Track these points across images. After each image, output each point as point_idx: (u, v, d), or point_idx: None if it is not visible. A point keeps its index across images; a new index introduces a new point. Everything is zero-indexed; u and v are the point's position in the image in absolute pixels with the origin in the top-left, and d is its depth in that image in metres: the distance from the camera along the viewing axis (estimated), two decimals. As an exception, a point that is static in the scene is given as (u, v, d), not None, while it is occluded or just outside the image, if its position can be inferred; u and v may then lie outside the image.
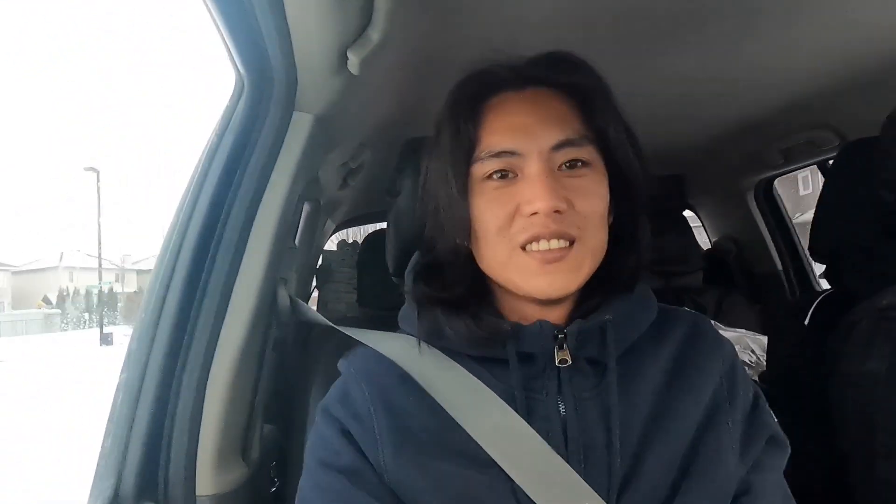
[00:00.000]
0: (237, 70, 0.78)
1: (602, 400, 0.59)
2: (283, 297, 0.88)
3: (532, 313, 0.62)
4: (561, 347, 0.60)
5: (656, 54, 1.10)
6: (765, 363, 1.45)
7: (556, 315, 0.63)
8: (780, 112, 1.47)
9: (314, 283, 1.97)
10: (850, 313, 0.92)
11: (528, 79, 0.63)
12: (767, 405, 0.66)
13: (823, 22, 1.00)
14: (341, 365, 0.68)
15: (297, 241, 1.34)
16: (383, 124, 1.25)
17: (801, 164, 1.78)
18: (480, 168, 0.60)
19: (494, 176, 0.60)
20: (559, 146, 0.59)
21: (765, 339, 1.57)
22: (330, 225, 1.95)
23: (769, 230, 2.08)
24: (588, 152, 0.60)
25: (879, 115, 1.37)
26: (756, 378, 1.54)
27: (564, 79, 0.63)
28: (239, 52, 0.73)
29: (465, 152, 0.61)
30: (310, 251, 1.60)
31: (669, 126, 1.61)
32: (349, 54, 0.75)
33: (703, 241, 2.39)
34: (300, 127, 0.84)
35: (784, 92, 1.35)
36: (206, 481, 0.75)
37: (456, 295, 0.63)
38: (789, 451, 0.64)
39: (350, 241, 2.12)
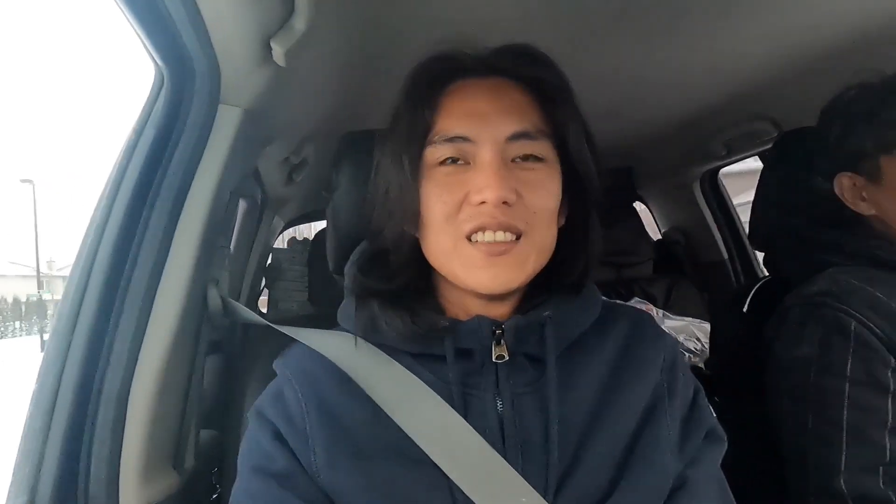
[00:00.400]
0: (155, 62, 0.74)
1: (540, 395, 0.59)
2: (215, 298, 0.84)
3: (475, 308, 0.62)
4: (499, 343, 0.59)
5: (600, 49, 1.11)
6: (708, 350, 1.48)
7: (500, 311, 0.62)
8: (723, 105, 1.50)
9: (263, 283, 1.92)
10: (784, 300, 0.94)
11: (492, 68, 0.62)
12: (706, 400, 0.66)
13: (761, 16, 1.02)
14: (276, 365, 0.66)
15: (233, 240, 1.30)
16: (325, 118, 1.22)
17: (743, 155, 1.82)
18: (433, 153, 0.59)
19: (447, 162, 0.59)
20: (514, 137, 0.58)
21: (708, 326, 1.61)
22: (279, 222, 1.90)
23: (715, 220, 2.12)
24: (543, 147, 0.59)
25: (815, 106, 1.41)
26: (701, 365, 1.58)
27: (528, 72, 0.62)
28: (153, 43, 0.70)
29: (420, 135, 0.60)
30: (250, 250, 1.55)
31: (617, 120, 1.62)
32: (273, 45, 0.72)
33: (655, 232, 2.44)
34: (227, 121, 0.81)
35: (725, 85, 1.38)
36: (132, 493, 0.71)
37: (395, 286, 0.62)
38: (726, 445, 0.65)
39: (301, 238, 2.07)
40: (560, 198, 0.61)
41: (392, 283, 0.63)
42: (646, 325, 0.68)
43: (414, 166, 0.60)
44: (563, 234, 0.63)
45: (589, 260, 0.64)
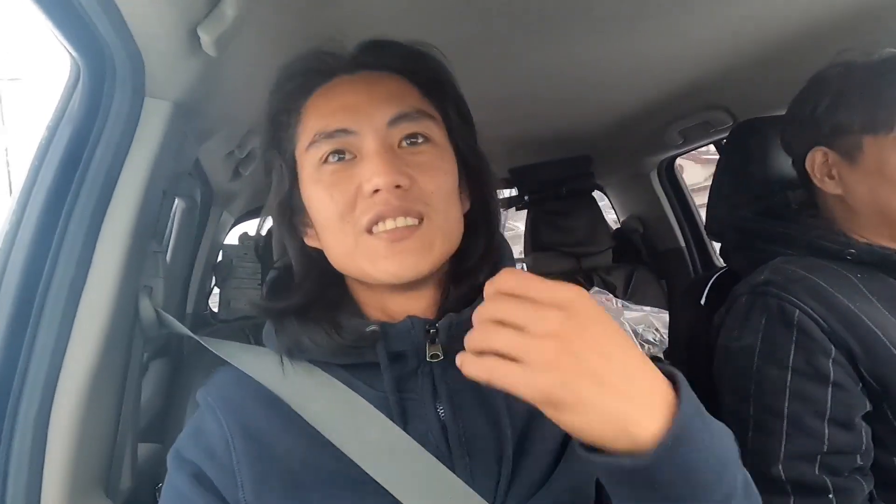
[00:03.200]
0: (70, 54, 0.67)
1: (480, 391, 0.57)
2: (147, 308, 0.78)
3: (394, 306, 0.59)
4: (433, 342, 0.56)
5: (556, 38, 1.08)
6: (667, 340, 1.49)
7: (420, 306, 0.60)
8: (678, 94, 1.50)
9: (213, 281, 1.84)
10: (733, 290, 0.94)
11: (360, 63, 0.61)
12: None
13: (715, 7, 1.01)
14: (199, 395, 0.61)
15: (172, 243, 1.22)
16: (270, 110, 1.15)
17: (698, 144, 1.84)
18: (315, 152, 0.57)
19: (331, 159, 0.56)
20: (395, 120, 0.56)
21: (667, 316, 1.62)
22: (228, 218, 1.82)
23: (672, 208, 2.14)
24: (427, 127, 0.58)
25: (769, 96, 1.43)
26: (660, 355, 1.59)
27: (397, 61, 0.61)
28: (65, 33, 0.63)
29: (298, 140, 0.59)
30: (196, 249, 1.48)
31: (574, 109, 1.61)
32: (200, 33, 0.66)
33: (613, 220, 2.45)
34: (154, 115, 0.74)
35: (680, 75, 1.37)
36: (56, 525, 0.65)
37: (297, 302, 0.59)
38: None
39: (253, 233, 1.99)
40: (457, 178, 0.60)
41: (293, 297, 0.60)
42: None
43: (297, 173, 0.59)
44: (467, 220, 0.62)
45: (489, 241, 0.63)
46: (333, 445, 0.54)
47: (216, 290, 1.87)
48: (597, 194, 2.27)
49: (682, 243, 2.15)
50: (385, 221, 0.54)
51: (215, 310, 1.90)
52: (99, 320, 0.70)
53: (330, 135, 0.56)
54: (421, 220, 0.55)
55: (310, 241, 0.62)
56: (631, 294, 2.08)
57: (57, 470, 0.66)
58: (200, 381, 0.86)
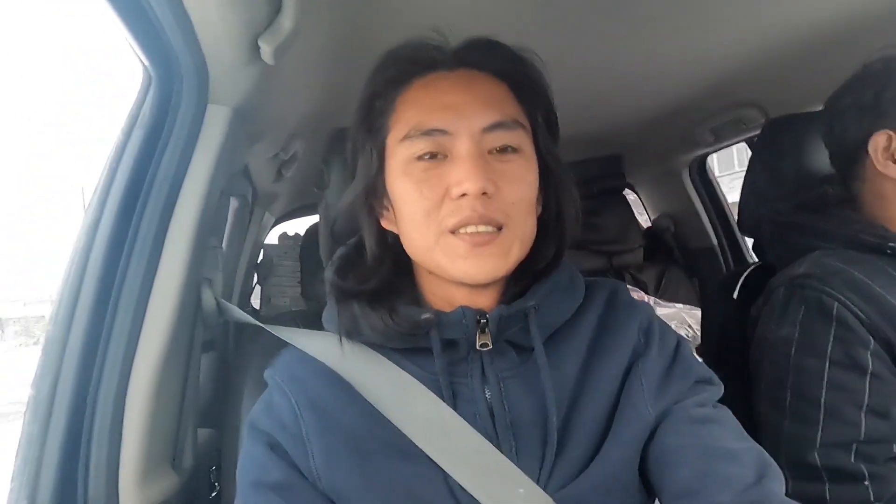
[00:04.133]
0: (142, 63, 0.73)
1: (526, 378, 0.60)
2: (209, 298, 0.84)
3: (459, 298, 0.62)
4: (483, 332, 0.60)
5: (587, 37, 1.11)
6: (700, 336, 1.50)
7: (484, 300, 0.62)
8: (709, 92, 1.50)
9: (255, 279, 1.92)
10: (770, 282, 0.96)
11: (461, 60, 0.62)
12: (691, 352, 0.67)
13: (747, 4, 1.02)
14: (266, 375, 0.66)
15: (225, 239, 1.29)
16: (313, 114, 1.21)
17: (731, 142, 1.83)
18: (409, 147, 0.58)
19: (424, 157, 0.58)
20: (491, 128, 0.58)
21: (699, 312, 1.62)
22: (269, 218, 1.90)
23: (704, 206, 2.14)
24: (518, 137, 0.59)
25: (800, 93, 1.43)
26: (694, 352, 1.59)
27: (498, 63, 0.62)
28: (140, 44, 0.69)
29: (392, 128, 0.61)
30: (243, 247, 1.55)
31: (606, 108, 1.63)
32: (261, 44, 0.71)
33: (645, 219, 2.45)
34: (216, 120, 0.80)
35: (711, 72, 1.38)
36: (131, 494, 0.71)
37: (372, 287, 0.62)
38: (721, 387, 0.66)
39: (292, 234, 2.07)
40: (537, 188, 0.62)
41: (369, 282, 0.63)
42: (619, 296, 0.69)
43: (389, 163, 0.61)
44: (538, 222, 0.63)
45: (560, 247, 0.65)
46: (389, 421, 0.59)
47: (257, 288, 1.95)
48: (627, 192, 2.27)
49: (715, 242, 2.14)
50: (468, 227, 0.56)
51: (256, 306, 1.97)
52: (167, 308, 0.76)
53: (427, 132, 0.57)
54: (500, 228, 0.57)
55: (386, 224, 0.64)
56: (662, 292, 2.08)
57: (133, 444, 0.72)
58: (255, 370, 0.92)
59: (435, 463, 0.57)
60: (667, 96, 1.56)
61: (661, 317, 1.59)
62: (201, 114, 0.79)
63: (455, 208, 0.56)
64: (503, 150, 0.58)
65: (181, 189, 0.78)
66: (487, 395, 0.60)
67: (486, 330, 0.60)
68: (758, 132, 1.65)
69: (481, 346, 0.59)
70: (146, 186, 0.76)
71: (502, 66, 0.62)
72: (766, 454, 0.58)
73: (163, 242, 0.76)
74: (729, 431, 0.61)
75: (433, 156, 0.58)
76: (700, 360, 0.68)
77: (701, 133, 1.79)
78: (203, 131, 0.80)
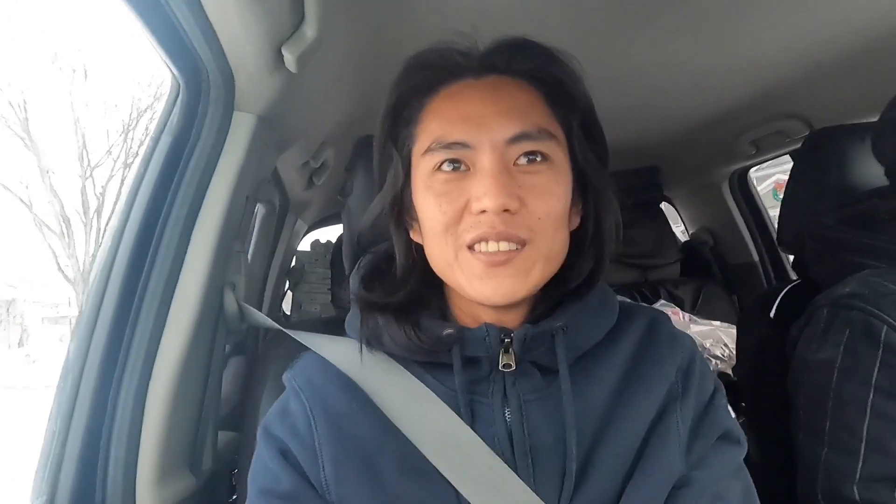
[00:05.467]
0: (171, 71, 0.75)
1: (549, 402, 0.58)
2: (231, 302, 0.86)
3: (485, 316, 0.60)
4: (507, 351, 0.57)
5: (623, 46, 1.09)
6: (735, 356, 1.44)
7: (510, 318, 0.60)
8: (751, 103, 1.46)
9: (287, 285, 1.95)
10: (812, 301, 0.91)
11: (489, 66, 0.59)
12: (725, 401, 0.64)
13: (790, 12, 0.99)
14: (285, 377, 0.65)
15: (252, 244, 1.32)
16: (341, 122, 1.23)
17: (772, 155, 1.77)
18: (431, 159, 0.56)
19: (445, 167, 0.56)
20: (515, 139, 0.55)
21: (735, 331, 1.56)
22: (301, 225, 1.93)
23: (744, 220, 2.07)
24: (548, 147, 0.56)
25: (846, 104, 1.37)
26: (729, 371, 1.54)
27: (528, 66, 0.58)
28: (168, 54, 0.71)
29: (417, 140, 0.59)
30: (272, 253, 1.57)
31: (643, 118, 1.60)
32: (284, 52, 0.73)
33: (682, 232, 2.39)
34: (242, 127, 0.82)
35: (753, 83, 1.34)
36: (148, 495, 0.73)
37: (398, 301, 0.61)
38: (745, 449, 0.62)
39: (324, 241, 2.09)
40: (569, 200, 0.58)
41: (396, 295, 0.61)
42: (661, 327, 0.65)
43: (412, 175, 0.59)
44: (574, 236, 0.60)
45: (597, 265, 0.61)
46: (403, 435, 0.57)
47: (289, 294, 1.98)
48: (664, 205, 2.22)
49: (756, 257, 2.06)
50: (487, 243, 0.54)
51: (287, 312, 2.00)
52: (190, 311, 0.77)
53: (448, 146, 0.55)
54: (523, 245, 0.54)
55: (415, 237, 0.62)
56: (699, 309, 2.02)
57: (151, 445, 0.73)
58: (275, 375, 0.93)
59: (447, 482, 0.55)
60: (706, 106, 1.52)
61: (697, 334, 1.57)
62: (227, 121, 0.80)
63: (474, 223, 0.54)
64: (531, 160, 0.55)
65: (206, 194, 0.80)
66: (507, 417, 0.57)
67: (510, 350, 0.57)
68: (800, 145, 1.60)
69: (504, 366, 0.57)
70: (172, 191, 0.78)
71: (533, 69, 0.58)
72: None
73: (187, 246, 0.78)
74: None
75: (455, 168, 0.56)
76: (732, 413, 0.64)
77: (741, 145, 1.73)
78: (229, 138, 0.81)
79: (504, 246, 0.54)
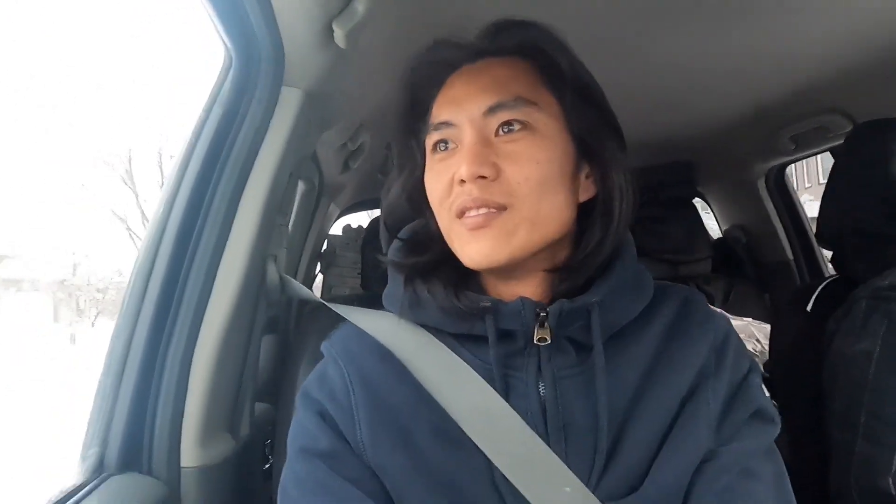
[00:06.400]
0: (224, 44, 0.77)
1: (583, 379, 0.58)
2: (273, 273, 0.88)
3: (503, 289, 0.62)
4: (542, 326, 0.58)
5: (663, 38, 1.08)
6: (768, 351, 1.42)
7: (528, 292, 0.61)
8: (790, 97, 1.43)
9: (318, 268, 1.97)
10: (851, 294, 0.90)
11: (480, 51, 0.63)
12: (760, 380, 0.63)
13: (832, 4, 0.97)
14: (323, 346, 0.67)
15: (291, 220, 1.34)
16: (381, 105, 1.24)
17: (813, 151, 1.73)
18: (429, 142, 0.62)
19: (440, 147, 0.61)
20: (491, 110, 0.58)
21: (769, 327, 1.54)
22: (334, 209, 1.95)
23: (780, 218, 2.03)
24: (526, 114, 0.58)
25: (890, 98, 1.34)
26: (761, 367, 1.51)
27: (512, 43, 0.62)
28: (223, 25, 0.73)
29: (420, 125, 0.64)
30: (307, 232, 1.59)
31: (677, 111, 1.58)
32: (334, 27, 0.74)
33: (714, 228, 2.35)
34: (289, 102, 0.84)
35: (794, 76, 1.32)
36: (191, 453, 0.75)
37: (428, 258, 0.63)
38: (778, 427, 0.62)
39: (355, 225, 2.12)
40: (558, 167, 0.58)
41: (425, 255, 0.64)
42: (695, 306, 0.65)
43: (419, 157, 0.64)
44: (588, 207, 0.62)
45: (608, 232, 0.61)
46: (439, 405, 0.58)
47: (318, 278, 2.01)
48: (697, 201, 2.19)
49: (791, 256, 2.02)
50: (469, 211, 0.57)
51: (318, 294, 2.03)
52: (234, 281, 0.79)
53: (437, 127, 0.60)
54: (503, 209, 0.56)
55: (431, 220, 0.66)
56: (730, 307, 1.98)
57: (195, 407, 0.76)
58: (312, 349, 0.95)
59: (480, 452, 0.56)
60: (744, 101, 1.50)
61: (729, 329, 1.53)
62: (276, 95, 0.82)
63: (458, 193, 0.57)
64: (509, 129, 0.58)
65: (253, 167, 0.82)
66: (542, 392, 0.58)
67: (546, 324, 0.58)
68: (842, 141, 1.57)
69: (539, 340, 0.58)
70: (221, 162, 0.80)
71: (517, 44, 0.62)
72: None
73: (234, 216, 0.80)
74: (769, 492, 0.58)
75: (446, 148, 0.60)
76: (766, 392, 0.64)
77: (780, 140, 1.70)
78: (277, 112, 0.83)
79: (483, 211, 0.56)
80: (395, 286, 0.66)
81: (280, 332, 1.34)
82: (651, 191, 2.00)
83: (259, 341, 0.93)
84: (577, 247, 0.61)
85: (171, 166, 0.81)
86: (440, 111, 0.61)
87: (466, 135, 0.58)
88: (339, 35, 0.75)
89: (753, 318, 1.84)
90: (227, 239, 0.79)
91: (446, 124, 0.60)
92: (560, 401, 0.58)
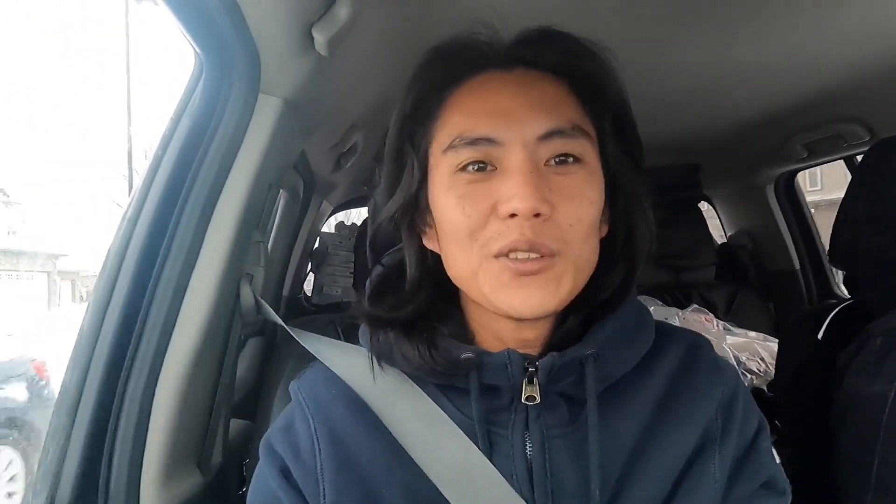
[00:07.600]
0: (194, 49, 0.71)
1: (576, 437, 0.52)
2: (247, 294, 0.82)
3: (505, 331, 0.54)
4: (531, 382, 0.52)
5: (673, 39, 1.02)
6: (773, 371, 1.37)
7: (533, 335, 0.54)
8: (806, 103, 1.37)
9: (309, 267, 1.92)
10: (865, 328, 0.84)
11: (516, 57, 0.54)
12: (769, 443, 0.58)
13: (856, 7, 0.90)
14: (291, 388, 0.61)
15: (273, 232, 1.28)
16: (373, 105, 1.17)
17: (825, 159, 1.67)
18: (454, 158, 0.51)
19: (469, 168, 0.50)
20: (547, 136, 0.50)
21: (774, 345, 1.49)
22: (327, 207, 1.89)
23: (788, 226, 1.97)
24: (581, 146, 0.51)
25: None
26: (764, 387, 1.46)
27: (557, 59, 0.53)
28: (191, 30, 0.66)
29: (435, 137, 0.53)
30: (296, 235, 1.54)
31: (687, 113, 1.52)
32: (314, 34, 0.67)
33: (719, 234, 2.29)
34: (267, 111, 0.77)
35: (810, 83, 1.25)
36: (152, 492, 0.70)
37: (405, 315, 0.55)
38: (789, 498, 0.57)
39: (349, 223, 2.06)
40: (602, 206, 0.52)
41: (404, 309, 0.56)
42: (701, 354, 0.59)
43: (431, 175, 0.54)
44: (603, 245, 0.54)
45: (628, 276, 0.55)
46: (414, 462, 0.53)
47: (310, 276, 1.96)
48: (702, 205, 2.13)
49: (797, 266, 1.97)
50: (517, 253, 0.49)
51: (309, 293, 1.98)
52: (204, 303, 0.73)
53: (473, 142, 0.50)
54: (553, 256, 0.49)
55: (428, 244, 0.57)
56: (733, 315, 1.93)
57: (157, 442, 0.70)
58: (293, 363, 0.89)
59: None
60: (757, 105, 1.43)
61: (732, 346, 1.49)
62: (252, 103, 0.75)
63: (502, 230, 0.49)
64: (562, 161, 0.50)
65: (226, 181, 0.75)
66: (529, 453, 0.52)
67: (535, 380, 0.52)
68: (859, 150, 1.50)
69: (527, 399, 0.52)
70: (191, 175, 0.73)
71: (562, 62, 0.53)
72: None
73: (204, 234, 0.74)
74: None
75: (481, 168, 0.50)
76: (777, 457, 0.58)
77: (792, 147, 1.64)
78: (253, 121, 0.77)
79: (535, 256, 0.48)
80: (366, 332, 0.59)
81: (265, 339, 1.29)
82: (656, 193, 1.94)
83: (234, 364, 0.87)
84: (592, 288, 0.54)
85: (136, 181, 0.75)
86: (478, 123, 0.51)
87: (515, 157, 0.49)
88: (319, 42, 0.68)
89: (757, 328, 1.79)
90: (196, 259, 0.73)
91: (488, 141, 0.50)
92: (549, 464, 0.52)
